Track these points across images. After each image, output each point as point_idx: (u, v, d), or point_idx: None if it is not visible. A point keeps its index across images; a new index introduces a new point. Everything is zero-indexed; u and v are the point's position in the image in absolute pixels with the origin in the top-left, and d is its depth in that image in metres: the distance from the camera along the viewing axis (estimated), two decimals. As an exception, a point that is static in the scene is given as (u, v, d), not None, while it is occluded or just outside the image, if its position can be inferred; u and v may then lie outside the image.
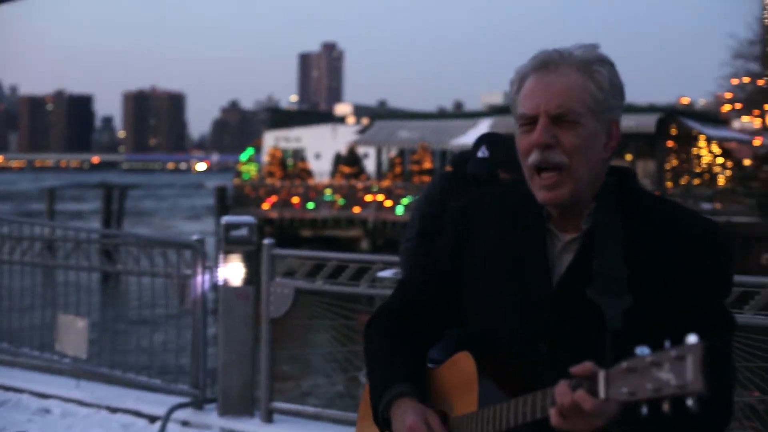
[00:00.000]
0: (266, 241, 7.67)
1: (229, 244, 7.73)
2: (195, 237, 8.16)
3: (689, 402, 1.91)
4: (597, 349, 2.27)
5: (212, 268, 7.96)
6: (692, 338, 1.90)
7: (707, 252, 2.45)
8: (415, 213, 6.18)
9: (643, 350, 1.99)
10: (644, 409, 1.96)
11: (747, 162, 53.08)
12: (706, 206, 39.78)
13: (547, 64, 2.48)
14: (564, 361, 2.24)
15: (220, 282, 7.79)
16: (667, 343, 1.94)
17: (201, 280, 7.91)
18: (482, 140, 5.98)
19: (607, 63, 2.49)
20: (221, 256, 7.77)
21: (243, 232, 7.75)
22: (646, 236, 2.46)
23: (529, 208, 2.57)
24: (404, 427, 2.52)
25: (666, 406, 1.93)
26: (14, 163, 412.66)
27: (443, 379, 2.65)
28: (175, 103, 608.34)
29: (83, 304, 9.15)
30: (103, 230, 8.24)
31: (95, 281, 10.44)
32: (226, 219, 7.90)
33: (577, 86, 2.43)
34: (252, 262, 7.81)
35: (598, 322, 2.34)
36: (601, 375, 2.04)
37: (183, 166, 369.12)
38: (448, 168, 6.49)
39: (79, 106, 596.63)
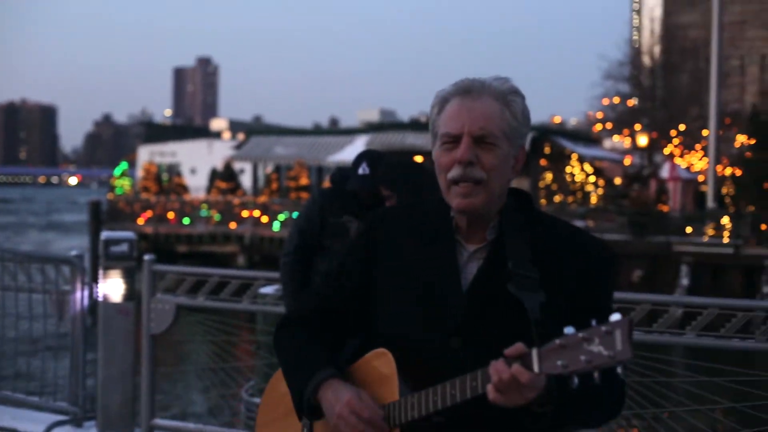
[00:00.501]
0: (147, 257, 7.62)
1: (108, 260, 7.64)
2: (74, 252, 8.05)
3: (619, 370, 2.29)
4: (507, 339, 2.51)
5: (91, 284, 7.86)
6: (617, 316, 2.27)
7: (602, 264, 2.83)
8: (294, 229, 6.21)
9: (570, 330, 2.33)
10: (575, 380, 2.32)
11: (618, 181, 54.32)
12: (579, 224, 40.53)
13: (469, 90, 2.79)
14: (474, 353, 2.62)
15: (100, 298, 7.70)
16: (593, 322, 2.30)
17: (80, 296, 7.80)
18: (363, 157, 6.05)
19: (519, 95, 2.83)
20: (101, 272, 7.68)
21: (123, 247, 7.67)
22: (548, 247, 2.79)
23: (438, 222, 2.88)
24: (340, 403, 2.71)
25: (597, 375, 2.30)
26: None
27: (360, 375, 2.84)
28: (47, 115, 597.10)
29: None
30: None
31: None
32: (105, 235, 7.81)
33: (496, 113, 2.76)
34: (132, 278, 7.74)
35: (511, 314, 2.66)
36: (534, 352, 2.38)
37: (55, 179, 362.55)
38: (327, 184, 6.52)
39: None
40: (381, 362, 2.79)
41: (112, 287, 7.65)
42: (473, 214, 2.80)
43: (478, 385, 2.50)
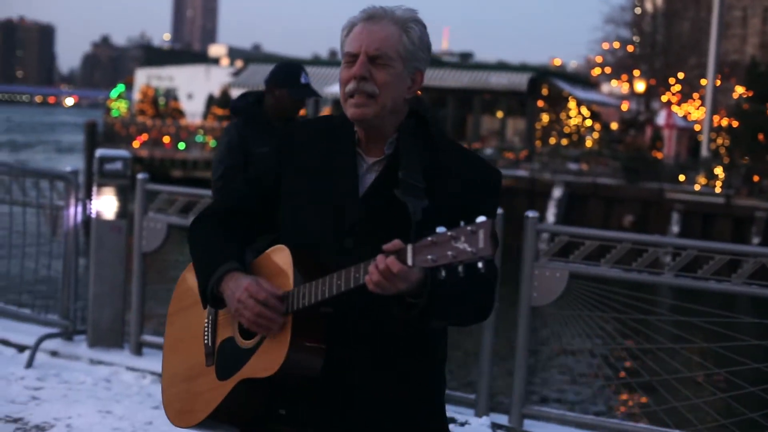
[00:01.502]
0: (140, 175, 7.71)
1: (102, 177, 7.73)
2: (68, 168, 8.13)
3: (480, 265, 2.58)
4: (400, 236, 2.80)
5: (85, 200, 7.96)
6: (482, 218, 2.56)
7: (487, 180, 3.15)
8: (215, 159, 6.17)
9: (441, 229, 2.62)
10: (443, 273, 2.62)
11: (614, 125, 54.24)
12: (573, 166, 40.56)
13: (372, 16, 3.09)
14: (365, 252, 2.85)
15: (93, 215, 7.80)
16: (462, 223, 2.59)
17: (74, 212, 7.90)
18: (298, 68, 6.27)
19: (419, 23, 3.12)
20: (94, 189, 7.77)
21: (117, 165, 7.76)
22: (438, 162, 3.08)
23: (342, 135, 3.16)
24: (240, 289, 3.00)
25: (461, 269, 2.59)
26: None
27: (260, 268, 3.13)
28: (44, 35, 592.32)
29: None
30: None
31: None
32: (100, 152, 7.89)
33: (393, 36, 3.06)
34: (125, 197, 7.83)
35: (400, 219, 2.90)
36: (409, 247, 2.68)
37: (51, 99, 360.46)
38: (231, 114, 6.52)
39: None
40: (279, 256, 3.08)
41: (105, 204, 7.76)
42: (366, 124, 3.09)
43: (360, 276, 2.81)
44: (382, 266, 2.71)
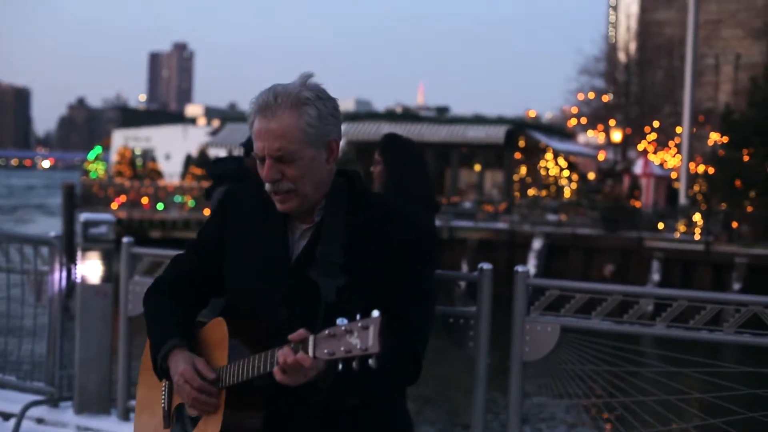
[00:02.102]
0: (125, 239, 7.67)
1: (87, 242, 7.69)
2: (53, 234, 8.09)
3: (371, 361, 2.58)
4: (317, 317, 2.92)
5: (69, 265, 7.90)
6: (375, 312, 2.58)
7: (410, 243, 3.10)
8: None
9: (342, 320, 2.64)
10: (340, 366, 2.63)
11: (591, 176, 54.53)
12: (552, 217, 40.72)
13: (265, 108, 3.05)
14: (298, 325, 2.83)
15: (78, 279, 7.75)
16: (358, 316, 2.61)
17: (58, 278, 7.85)
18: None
19: (314, 100, 3.04)
20: (79, 254, 7.73)
21: (102, 229, 7.72)
22: (365, 226, 3.09)
23: (275, 204, 3.16)
24: (177, 373, 3.07)
25: (355, 364, 2.60)
26: None
27: (203, 339, 3.23)
28: (20, 97, 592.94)
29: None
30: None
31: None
32: (85, 216, 7.85)
33: (292, 128, 3.02)
34: (110, 260, 7.79)
35: (319, 297, 2.97)
36: (311, 339, 2.70)
37: (28, 162, 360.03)
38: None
39: None
40: (216, 329, 3.15)
41: (90, 269, 7.71)
42: (294, 213, 3.14)
43: (267, 365, 2.87)
44: (291, 360, 2.74)
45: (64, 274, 7.85)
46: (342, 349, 2.62)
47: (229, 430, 3.02)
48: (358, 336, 2.60)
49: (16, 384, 8.21)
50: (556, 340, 6.23)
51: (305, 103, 3.03)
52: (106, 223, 7.75)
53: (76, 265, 7.84)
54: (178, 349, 3.14)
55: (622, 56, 61.63)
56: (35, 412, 7.74)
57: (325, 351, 2.66)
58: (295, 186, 3.05)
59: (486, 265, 6.41)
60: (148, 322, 3.32)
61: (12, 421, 7.59)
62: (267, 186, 3.08)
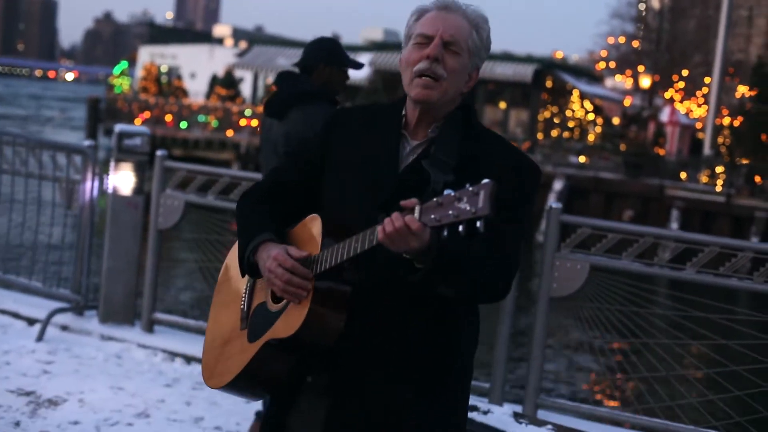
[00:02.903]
0: (159, 152, 7.69)
1: (121, 153, 7.72)
2: (86, 143, 8.11)
3: (479, 224, 2.66)
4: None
5: (102, 175, 7.94)
6: (486, 179, 2.67)
7: (519, 173, 3.18)
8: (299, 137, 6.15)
9: (449, 191, 2.72)
10: (445, 232, 2.72)
11: (616, 120, 54.22)
12: (574, 160, 40.56)
13: (447, 6, 3.20)
14: None
15: (110, 190, 7.78)
16: (467, 185, 2.69)
17: (90, 186, 7.89)
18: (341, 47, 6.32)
19: (487, 24, 3.25)
20: (112, 164, 7.76)
21: (136, 141, 7.74)
22: (478, 151, 3.19)
23: (389, 118, 3.28)
24: (270, 258, 3.11)
25: (462, 228, 2.68)
26: None
27: (294, 237, 3.26)
28: (47, 8, 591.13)
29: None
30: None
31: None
32: (119, 127, 7.86)
33: (466, 29, 3.18)
34: (143, 173, 7.82)
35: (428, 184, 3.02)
36: (417, 207, 2.77)
37: (51, 74, 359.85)
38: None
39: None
40: (312, 224, 3.20)
41: (122, 180, 7.74)
42: (426, 106, 3.19)
43: (375, 237, 2.90)
44: (398, 223, 2.80)
45: (96, 183, 7.88)
46: (450, 213, 2.71)
47: (309, 327, 3.05)
48: (468, 201, 2.68)
49: (43, 290, 8.30)
50: (585, 277, 6.26)
51: (480, 22, 3.23)
52: (140, 135, 7.77)
53: (106, 175, 7.88)
54: (269, 242, 3.20)
55: (655, 2, 61.04)
56: (60, 318, 7.83)
57: (432, 217, 2.74)
58: (446, 75, 3.15)
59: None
60: (239, 222, 3.38)
61: (37, 327, 7.67)
62: (420, 65, 3.14)
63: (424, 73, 3.14)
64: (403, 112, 3.26)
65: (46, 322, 7.60)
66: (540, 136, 48.97)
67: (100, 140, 41.74)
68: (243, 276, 3.33)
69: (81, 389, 6.49)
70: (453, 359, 3.24)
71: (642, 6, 61.85)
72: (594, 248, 6.26)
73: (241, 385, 3.27)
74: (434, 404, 3.20)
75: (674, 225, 32.85)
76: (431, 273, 2.93)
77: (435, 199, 2.75)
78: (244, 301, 3.33)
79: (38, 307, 8.06)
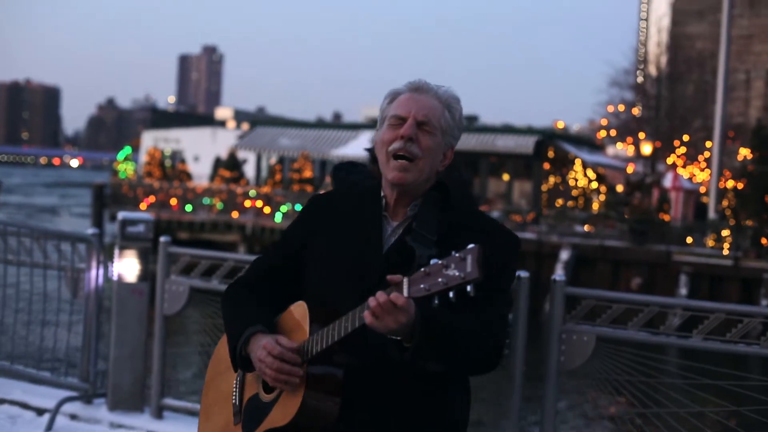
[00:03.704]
0: (162, 238, 7.71)
1: (124, 240, 7.75)
2: (90, 231, 8.15)
3: (469, 288, 2.74)
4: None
5: (106, 263, 7.96)
6: (471, 244, 2.77)
7: (498, 244, 3.28)
8: None
9: (436, 261, 2.81)
10: (435, 301, 2.80)
11: (620, 188, 54.33)
12: (579, 229, 40.57)
13: (419, 88, 3.34)
14: None
15: (115, 278, 7.80)
16: (453, 252, 2.79)
17: (95, 275, 7.91)
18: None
19: (459, 104, 3.38)
20: (116, 252, 7.78)
21: (140, 228, 7.78)
22: (455, 224, 3.27)
23: (368, 200, 3.36)
24: (261, 348, 3.15)
25: (452, 295, 2.77)
26: None
27: (282, 325, 3.30)
28: (50, 96, 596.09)
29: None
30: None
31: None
32: (122, 215, 7.90)
33: (438, 109, 3.31)
34: (147, 259, 7.84)
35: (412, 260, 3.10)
36: (405, 280, 2.86)
37: (56, 161, 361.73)
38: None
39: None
40: (296, 311, 3.25)
41: (127, 267, 7.76)
42: (403, 188, 3.29)
43: (363, 313, 2.95)
44: (382, 298, 2.86)
45: (101, 271, 7.91)
46: (440, 280, 2.79)
47: (305, 413, 3.07)
48: (456, 267, 2.77)
49: (51, 379, 8.29)
50: (592, 349, 6.24)
51: (452, 103, 3.35)
52: (143, 222, 7.81)
53: (111, 262, 7.90)
54: (261, 333, 3.23)
55: (652, 69, 61.46)
56: (69, 407, 7.80)
57: (422, 286, 2.82)
58: (421, 155, 3.25)
59: (522, 273, 6.43)
60: (228, 316, 3.42)
61: (46, 416, 7.65)
62: (395, 145, 3.25)
63: (399, 152, 3.26)
64: (382, 194, 3.36)
65: (55, 412, 7.58)
66: (544, 206, 49.03)
67: (105, 226, 41.88)
68: (235, 370, 3.36)
69: (91, 479, 6.46)
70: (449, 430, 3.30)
71: (640, 74, 62.22)
72: (600, 319, 6.25)
73: None
74: None
75: (683, 291, 32.77)
76: (421, 349, 2.98)
77: (422, 269, 2.84)
78: (236, 395, 3.36)
79: (47, 397, 8.04)
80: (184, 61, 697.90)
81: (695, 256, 34.84)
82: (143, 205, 46.60)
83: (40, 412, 7.87)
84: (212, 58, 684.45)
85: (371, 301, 2.89)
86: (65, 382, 8.17)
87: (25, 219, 65.55)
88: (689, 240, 37.27)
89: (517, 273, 6.45)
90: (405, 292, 2.86)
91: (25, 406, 7.98)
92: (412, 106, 3.28)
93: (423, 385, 3.18)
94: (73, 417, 7.78)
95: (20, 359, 8.57)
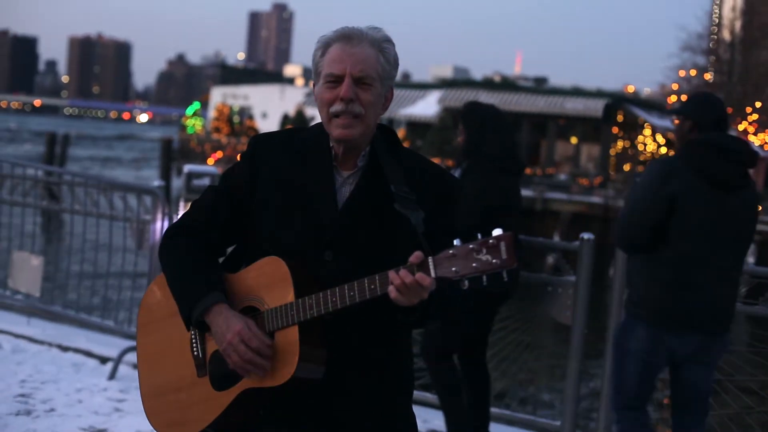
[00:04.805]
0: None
1: (190, 193, 7.80)
2: (156, 183, 8.19)
3: (504, 274, 2.78)
4: (373, 252, 3.10)
5: (171, 214, 8.01)
6: (498, 231, 2.77)
7: (455, 191, 3.33)
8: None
9: (458, 242, 2.80)
10: (466, 283, 2.82)
11: (689, 153, 53.58)
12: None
13: (350, 37, 3.19)
14: (343, 263, 3.10)
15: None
16: (479, 235, 2.80)
17: (160, 226, 7.95)
18: None
19: (391, 43, 3.25)
20: (181, 203, 7.83)
21: (206, 181, 7.86)
22: (412, 173, 3.21)
23: (317, 148, 3.25)
24: (231, 332, 3.04)
25: (485, 279, 2.78)
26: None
27: (250, 280, 3.19)
28: (121, 52, 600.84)
29: (38, 243, 9.14)
30: (66, 170, 8.23)
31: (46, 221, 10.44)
32: (188, 167, 8.04)
33: (372, 58, 3.18)
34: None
35: (377, 230, 3.15)
36: (430, 260, 2.85)
37: (126, 115, 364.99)
38: None
39: (24, 47, 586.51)
40: (274, 267, 3.12)
41: (191, 219, 7.79)
42: (350, 143, 3.19)
43: (377, 287, 2.94)
44: (409, 280, 2.85)
45: (166, 222, 7.95)
46: (473, 265, 2.78)
47: (299, 371, 3.03)
48: (488, 253, 2.77)
49: (115, 329, 8.38)
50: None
51: (385, 44, 3.22)
52: (209, 175, 7.87)
53: (176, 214, 7.93)
54: (222, 305, 3.11)
55: (726, 34, 60.52)
56: (132, 357, 7.86)
57: (453, 269, 2.82)
58: (364, 111, 3.15)
59: (587, 235, 6.37)
60: (172, 272, 3.27)
61: (109, 365, 7.74)
62: (335, 107, 3.14)
63: (341, 113, 3.15)
64: (331, 143, 3.24)
65: (118, 361, 7.66)
66: (612, 170, 48.60)
67: (173, 180, 42.21)
68: (188, 330, 3.22)
69: (152, 428, 6.51)
70: (406, 368, 3.37)
71: (713, 39, 61.29)
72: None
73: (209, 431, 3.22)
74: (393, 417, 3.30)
75: (750, 259, 32.39)
76: (429, 315, 3.07)
77: (450, 251, 2.83)
78: (197, 346, 3.23)
79: (111, 346, 8.14)
80: (254, 18, 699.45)
81: (764, 224, 34.39)
82: (210, 161, 46.88)
83: (103, 360, 7.97)
84: (282, 15, 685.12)
85: (395, 280, 2.88)
86: (129, 331, 8.25)
87: (93, 171, 66.26)
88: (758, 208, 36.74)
89: (582, 234, 6.41)
90: (432, 273, 2.85)
91: (89, 354, 8.09)
92: (347, 62, 3.16)
93: (386, 334, 3.22)
94: (136, 366, 7.82)
95: (85, 308, 8.68)
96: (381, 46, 3.20)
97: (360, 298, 2.98)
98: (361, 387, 3.20)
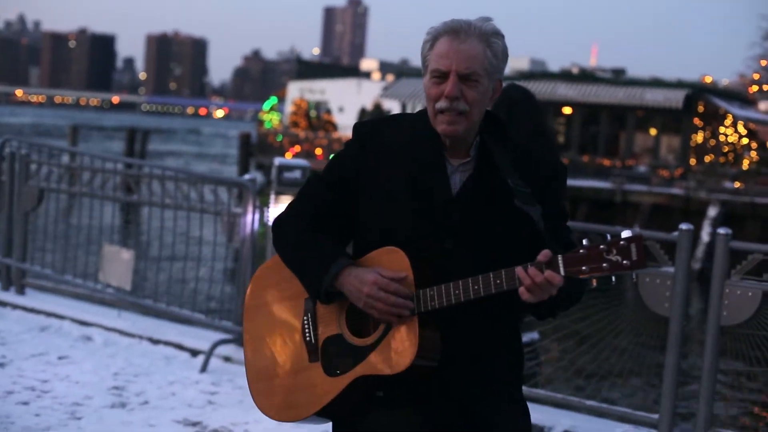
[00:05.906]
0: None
1: (281, 186, 7.79)
2: (247, 177, 8.23)
3: (633, 274, 2.90)
4: (495, 241, 3.16)
5: (262, 207, 8.03)
6: (627, 232, 2.86)
7: (560, 174, 3.37)
8: None
9: (586, 242, 2.88)
10: (594, 282, 3.01)
11: (771, 144, 52.90)
12: (729, 185, 39.64)
13: (458, 31, 3.17)
14: (464, 253, 3.13)
15: (270, 222, 7.85)
16: (608, 236, 2.87)
17: (251, 219, 7.97)
18: None
19: (500, 36, 3.22)
20: (272, 197, 7.83)
21: (296, 174, 7.82)
22: (519, 163, 3.23)
23: (427, 137, 3.24)
24: (367, 284, 3.09)
25: (613, 279, 2.87)
26: (33, 98, 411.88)
27: (374, 265, 3.18)
28: (198, 48, 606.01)
29: (125, 237, 9.22)
30: (155, 164, 8.32)
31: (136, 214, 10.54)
32: (279, 161, 7.95)
33: (480, 54, 3.16)
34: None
35: (495, 219, 3.17)
36: (560, 258, 2.92)
37: (202, 111, 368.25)
38: None
39: (102, 45, 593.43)
40: (393, 258, 3.15)
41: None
42: (455, 139, 3.20)
43: (503, 283, 2.99)
44: (539, 279, 2.91)
45: (257, 215, 7.97)
46: (604, 265, 2.86)
47: (417, 358, 3.07)
48: (618, 253, 2.85)
49: (205, 322, 8.42)
50: (757, 305, 6.05)
51: (493, 38, 3.19)
52: (300, 168, 7.84)
53: (266, 207, 7.95)
54: (353, 266, 3.17)
55: (810, 22, 59.57)
56: (223, 350, 7.91)
57: (583, 268, 2.89)
58: (469, 109, 3.15)
59: (686, 225, 6.27)
60: (293, 249, 3.29)
61: (200, 358, 7.77)
62: (440, 103, 3.15)
63: (446, 111, 3.16)
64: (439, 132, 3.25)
65: (209, 354, 7.68)
66: (693, 161, 48.02)
67: (251, 173, 42.54)
68: (322, 302, 3.24)
69: (246, 420, 6.52)
70: (521, 359, 3.39)
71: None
72: (766, 275, 6.05)
73: (323, 415, 3.26)
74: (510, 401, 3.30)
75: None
76: (556, 308, 3.16)
77: (580, 251, 2.90)
78: (309, 331, 3.27)
79: (201, 339, 8.17)
80: (329, 14, 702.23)
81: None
82: (288, 155, 47.14)
83: (194, 353, 8.01)
84: (357, 10, 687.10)
85: (524, 279, 2.93)
86: (219, 324, 8.28)
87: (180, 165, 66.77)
88: None
89: (681, 225, 6.31)
90: (561, 271, 2.91)
91: (179, 347, 8.13)
92: (453, 58, 3.15)
93: (504, 323, 3.28)
94: (227, 359, 7.89)
95: (176, 301, 8.73)
96: (489, 40, 3.18)
97: (485, 293, 3.01)
98: (477, 373, 3.22)
